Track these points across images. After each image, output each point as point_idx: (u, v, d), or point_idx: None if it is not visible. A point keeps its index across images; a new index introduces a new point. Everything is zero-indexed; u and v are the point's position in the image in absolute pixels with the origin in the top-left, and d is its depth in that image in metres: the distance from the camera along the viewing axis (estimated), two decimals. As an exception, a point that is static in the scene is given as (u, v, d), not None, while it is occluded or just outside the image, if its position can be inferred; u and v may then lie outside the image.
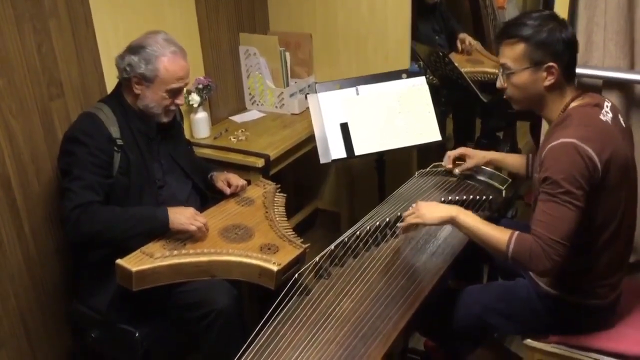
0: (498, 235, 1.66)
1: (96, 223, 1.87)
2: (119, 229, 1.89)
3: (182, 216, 1.93)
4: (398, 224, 1.92)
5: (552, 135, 1.64)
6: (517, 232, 1.63)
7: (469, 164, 2.24)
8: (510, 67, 1.70)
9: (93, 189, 1.91)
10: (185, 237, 1.95)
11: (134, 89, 2.00)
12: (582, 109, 1.67)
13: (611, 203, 1.65)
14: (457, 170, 2.27)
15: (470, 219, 1.73)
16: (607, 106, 1.71)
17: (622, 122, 1.74)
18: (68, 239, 1.95)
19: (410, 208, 1.89)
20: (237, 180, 2.26)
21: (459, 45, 3.43)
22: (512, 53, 1.69)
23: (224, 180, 2.26)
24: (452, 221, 1.76)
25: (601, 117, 1.66)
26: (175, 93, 2.03)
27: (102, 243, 1.92)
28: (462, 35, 3.46)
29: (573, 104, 1.70)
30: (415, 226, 1.87)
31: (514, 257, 1.62)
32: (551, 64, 1.65)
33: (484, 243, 1.70)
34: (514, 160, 2.18)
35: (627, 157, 1.68)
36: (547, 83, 1.68)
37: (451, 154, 2.28)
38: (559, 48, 1.64)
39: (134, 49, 1.98)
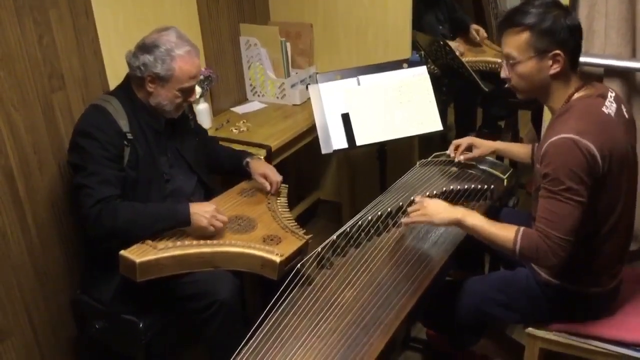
0: (504, 233, 1.68)
1: (118, 218, 1.87)
2: (141, 226, 1.88)
3: (202, 217, 1.90)
4: (402, 220, 1.93)
5: (553, 127, 1.63)
6: (522, 229, 1.65)
7: (475, 153, 2.24)
8: (515, 56, 1.66)
9: (111, 183, 1.90)
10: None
11: (147, 87, 1.98)
12: (586, 100, 1.66)
13: (611, 196, 1.65)
14: (461, 157, 2.25)
15: (476, 220, 1.74)
16: (610, 97, 1.70)
17: (625, 112, 1.73)
18: (91, 235, 1.93)
19: (416, 202, 1.89)
20: (275, 177, 2.24)
21: (476, 35, 3.42)
22: (517, 42, 1.65)
23: (263, 175, 2.23)
24: (458, 223, 1.77)
25: (604, 109, 1.65)
26: (187, 92, 2.02)
27: (123, 238, 1.88)
28: (476, 27, 3.47)
29: (577, 95, 1.68)
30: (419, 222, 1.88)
31: (521, 254, 1.64)
32: (557, 51, 1.62)
33: (491, 242, 1.72)
34: (519, 150, 2.18)
35: (628, 149, 1.67)
36: (552, 71, 1.65)
37: (459, 144, 2.26)
38: (564, 35, 1.61)
39: (148, 47, 1.95)
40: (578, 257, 1.73)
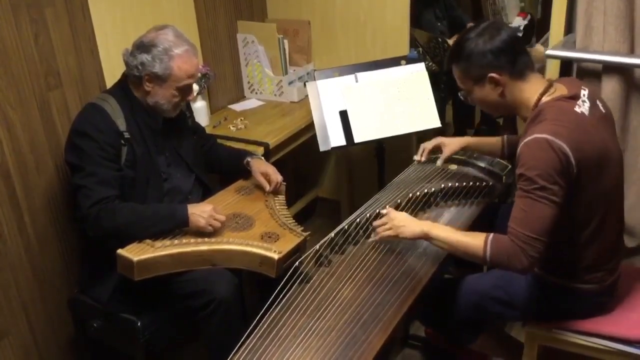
0: (473, 241, 1.66)
1: (117, 219, 1.87)
2: (139, 227, 1.88)
3: (200, 218, 1.90)
4: (372, 237, 1.89)
5: (526, 132, 1.63)
6: (491, 235, 1.63)
7: (446, 152, 2.19)
8: (463, 87, 1.77)
9: (109, 184, 1.90)
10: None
11: (145, 87, 1.98)
12: (555, 103, 1.64)
13: (591, 197, 1.64)
14: (438, 163, 2.20)
15: (443, 232, 1.73)
16: (584, 95, 1.68)
17: (601, 107, 1.72)
18: (90, 235, 1.94)
19: (382, 215, 1.87)
20: (276, 176, 2.23)
21: None
22: (457, 76, 1.76)
23: (264, 174, 2.22)
24: (425, 236, 1.76)
25: (576, 108, 1.63)
26: (185, 90, 2.02)
27: (121, 239, 1.88)
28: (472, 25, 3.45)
29: (544, 99, 1.67)
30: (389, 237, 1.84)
31: (492, 260, 1.62)
32: (491, 74, 1.66)
33: (460, 252, 1.70)
34: (489, 143, 2.17)
35: (606, 146, 1.66)
36: (498, 91, 1.69)
37: (426, 146, 2.21)
38: (489, 58, 1.65)
39: (146, 46, 1.94)
40: (570, 254, 1.73)
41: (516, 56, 1.67)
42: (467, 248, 1.67)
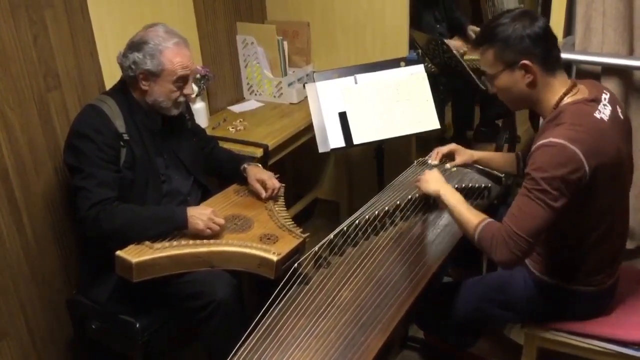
0: (471, 218, 1.73)
1: (116, 221, 1.86)
2: (138, 228, 1.88)
3: (199, 221, 1.90)
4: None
5: (544, 132, 1.62)
6: (488, 219, 1.68)
7: (458, 161, 2.22)
8: (489, 72, 1.71)
9: (108, 186, 1.90)
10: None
11: (141, 86, 1.97)
12: (576, 106, 1.63)
13: (602, 203, 1.64)
14: (448, 165, 2.24)
15: (453, 200, 1.81)
16: (605, 99, 1.67)
17: (620, 114, 1.71)
18: (89, 237, 1.94)
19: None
20: (273, 183, 2.21)
21: (473, 35, 3.45)
22: (486, 59, 1.70)
23: (260, 181, 2.21)
24: (437, 195, 1.88)
25: (596, 114, 1.62)
26: (182, 84, 2.01)
27: (120, 241, 1.88)
28: (473, 27, 3.52)
29: (566, 100, 1.66)
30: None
31: (479, 241, 1.68)
32: (524, 61, 1.63)
33: (458, 223, 1.78)
34: (503, 159, 2.17)
35: (620, 153, 1.65)
36: (527, 81, 1.66)
37: (441, 150, 2.25)
38: (526, 44, 1.62)
39: (137, 45, 1.94)
40: (573, 258, 1.73)
41: (551, 47, 1.66)
42: (464, 222, 1.75)
